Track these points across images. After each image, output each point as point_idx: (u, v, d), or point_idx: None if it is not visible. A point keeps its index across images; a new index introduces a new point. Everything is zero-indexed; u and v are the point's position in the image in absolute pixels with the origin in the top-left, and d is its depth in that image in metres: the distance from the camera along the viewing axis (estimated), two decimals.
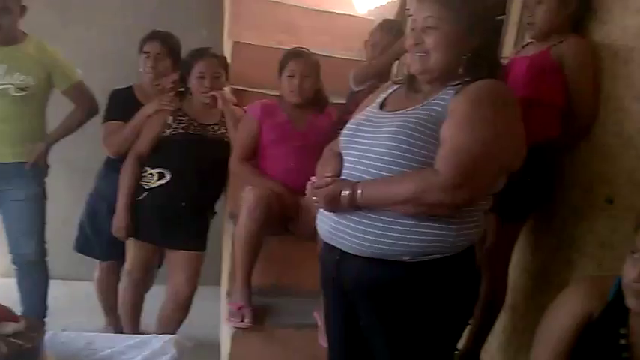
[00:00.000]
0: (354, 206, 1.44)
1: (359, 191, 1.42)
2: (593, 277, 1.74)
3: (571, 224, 2.05)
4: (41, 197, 2.94)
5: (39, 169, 2.90)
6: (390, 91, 1.67)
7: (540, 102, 1.92)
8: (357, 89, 2.79)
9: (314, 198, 1.52)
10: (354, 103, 2.72)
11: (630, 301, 1.32)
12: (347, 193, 1.44)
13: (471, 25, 1.47)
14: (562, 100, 1.96)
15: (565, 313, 1.45)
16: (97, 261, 3.12)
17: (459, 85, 1.45)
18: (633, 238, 1.35)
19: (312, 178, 1.57)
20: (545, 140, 1.92)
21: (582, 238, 1.99)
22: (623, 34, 1.91)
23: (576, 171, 2.05)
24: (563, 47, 1.95)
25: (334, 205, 1.47)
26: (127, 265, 2.78)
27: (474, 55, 1.49)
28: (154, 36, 2.88)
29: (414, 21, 1.53)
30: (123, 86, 2.94)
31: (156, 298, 2.89)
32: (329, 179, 1.51)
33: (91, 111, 3.00)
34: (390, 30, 2.80)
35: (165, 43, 2.87)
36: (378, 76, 2.73)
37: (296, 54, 2.59)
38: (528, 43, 2.17)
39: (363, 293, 1.52)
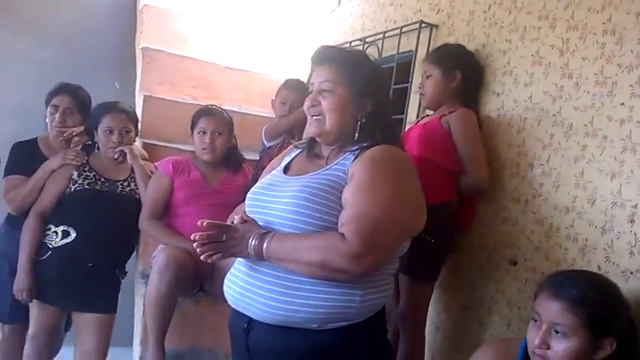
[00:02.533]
0: (259, 256, 1.43)
1: (265, 243, 1.41)
2: (501, 340, 1.80)
3: (481, 284, 2.13)
4: None
5: None
6: (294, 155, 1.70)
7: (432, 161, 2.03)
8: (270, 145, 2.83)
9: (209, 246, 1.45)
10: (267, 157, 2.76)
11: None
12: (254, 242, 1.42)
13: (364, 90, 1.54)
14: (453, 164, 2.08)
15: None
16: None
17: (358, 151, 1.49)
18: (533, 305, 1.41)
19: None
20: (443, 202, 2.02)
21: (491, 297, 2.07)
22: (515, 105, 2.07)
23: (481, 233, 2.15)
24: (451, 117, 2.11)
25: (241, 247, 1.44)
26: (31, 329, 2.60)
27: (368, 120, 1.55)
28: (64, 89, 2.77)
29: (312, 85, 1.59)
30: (26, 139, 2.80)
31: None
32: (239, 219, 1.49)
33: None
34: (294, 87, 2.85)
35: (75, 96, 2.77)
36: (289, 132, 2.79)
37: (207, 111, 2.58)
38: (426, 115, 2.34)
39: None
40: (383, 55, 2.89)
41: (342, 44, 3.23)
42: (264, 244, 1.42)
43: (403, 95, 2.73)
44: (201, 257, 1.44)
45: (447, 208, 2.07)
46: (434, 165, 2.04)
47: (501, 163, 2.11)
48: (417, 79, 2.63)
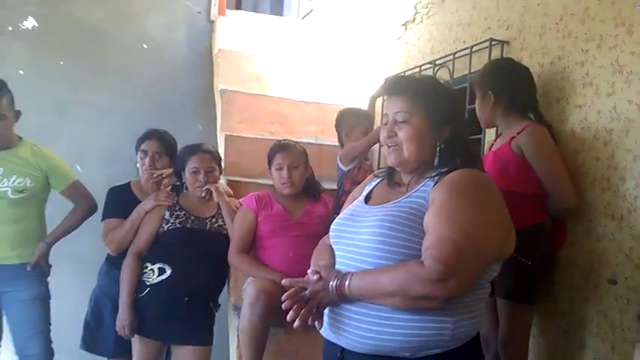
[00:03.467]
0: (342, 297, 1.44)
1: (347, 282, 1.42)
2: None
3: (578, 306, 2.05)
4: (45, 297, 2.94)
5: (41, 270, 2.92)
6: (374, 184, 1.71)
7: (512, 192, 1.90)
8: (348, 168, 2.90)
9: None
10: (348, 181, 2.86)
11: None
12: (334, 283, 1.44)
13: (440, 118, 1.53)
14: (535, 188, 2.01)
15: None
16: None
17: (437, 176, 1.49)
18: (638, 326, 1.36)
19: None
20: (535, 224, 1.97)
21: (592, 320, 1.98)
22: (600, 117, 1.99)
23: (575, 252, 2.07)
24: (521, 139, 2.03)
25: (325, 294, 1.46)
26: None
27: (446, 145, 1.54)
28: (151, 135, 2.95)
29: (386, 116, 1.59)
30: (120, 183, 3.00)
31: None
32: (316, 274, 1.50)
33: (89, 209, 3.06)
34: (357, 116, 2.96)
35: (162, 141, 2.94)
36: (363, 154, 2.92)
37: (282, 147, 2.65)
38: (498, 136, 2.28)
39: None
40: (455, 76, 2.88)
41: (412, 69, 3.24)
42: (346, 284, 1.43)
43: None
44: (295, 324, 1.44)
45: (540, 230, 2.02)
46: (515, 193, 1.95)
47: (591, 178, 2.02)
48: None
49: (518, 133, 2.05)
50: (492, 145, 2.28)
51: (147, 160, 2.90)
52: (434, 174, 1.52)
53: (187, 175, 2.74)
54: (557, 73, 2.22)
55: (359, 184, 2.90)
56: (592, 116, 2.05)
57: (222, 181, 3.01)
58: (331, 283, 1.45)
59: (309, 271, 1.55)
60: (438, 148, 1.56)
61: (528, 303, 2.07)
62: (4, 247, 2.83)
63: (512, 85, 2.14)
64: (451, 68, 2.90)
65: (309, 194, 2.70)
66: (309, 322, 1.46)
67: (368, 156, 3.04)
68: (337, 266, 1.55)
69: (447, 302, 1.36)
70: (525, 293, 2.03)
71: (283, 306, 1.45)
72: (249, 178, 3.23)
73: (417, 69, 3.18)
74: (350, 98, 3.97)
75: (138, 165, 2.96)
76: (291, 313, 1.44)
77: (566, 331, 2.11)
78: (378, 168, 2.57)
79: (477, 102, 2.18)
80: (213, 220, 2.76)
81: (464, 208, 1.39)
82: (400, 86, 1.60)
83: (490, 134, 2.59)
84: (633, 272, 1.84)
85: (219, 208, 2.77)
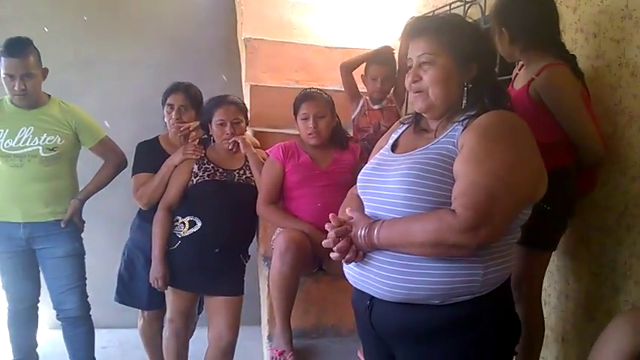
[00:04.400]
0: (371, 246, 1.42)
1: (375, 231, 1.41)
2: (638, 309, 1.66)
3: (610, 249, 1.99)
4: (80, 253, 3.02)
5: (74, 226, 2.98)
6: (400, 131, 1.66)
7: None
8: (352, 116, 2.94)
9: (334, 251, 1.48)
10: (354, 129, 2.92)
11: None
12: (363, 232, 1.43)
13: (467, 54, 1.46)
14: (557, 135, 1.91)
15: (612, 350, 1.39)
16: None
17: (466, 120, 1.44)
18: None
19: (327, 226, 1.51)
20: (559, 168, 1.83)
21: (625, 263, 1.93)
22: (639, 52, 1.87)
23: (607, 194, 2.00)
24: (539, 82, 1.91)
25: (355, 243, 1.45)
26: (168, 313, 2.82)
27: (475, 84, 1.48)
28: (177, 88, 2.93)
29: (410, 60, 1.53)
30: (148, 138, 3.01)
31: (200, 341, 2.93)
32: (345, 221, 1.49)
33: (119, 165, 3.10)
34: (384, 61, 2.85)
35: (187, 94, 2.91)
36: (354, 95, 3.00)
37: (307, 96, 2.60)
38: (521, 67, 2.13)
39: (397, 338, 1.50)
40: (487, 14, 2.75)
41: (442, 7, 3.11)
42: (375, 233, 1.41)
43: None
44: (334, 257, 1.47)
45: (564, 174, 1.91)
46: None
47: (627, 116, 1.92)
48: None
49: (536, 75, 1.92)
50: (514, 79, 2.15)
51: (173, 114, 2.90)
52: (462, 118, 1.46)
53: (214, 128, 2.73)
54: (595, 5, 2.08)
55: (365, 131, 2.89)
56: (630, 51, 1.92)
57: (249, 132, 2.99)
58: (360, 232, 1.43)
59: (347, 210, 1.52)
60: (466, 88, 1.49)
61: (545, 249, 2.02)
62: (37, 205, 2.89)
63: (528, 19, 1.96)
64: (483, 5, 2.75)
65: (336, 143, 2.65)
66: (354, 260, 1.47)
67: (392, 99, 2.95)
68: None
69: (479, 249, 1.33)
70: (542, 239, 1.96)
71: (328, 242, 1.46)
72: (275, 128, 3.21)
73: (447, 7, 3.03)
74: (377, 42, 3.84)
75: (165, 119, 2.95)
76: (336, 250, 1.45)
77: (597, 274, 2.06)
78: (406, 114, 2.49)
79: (495, 38, 2.02)
80: (241, 172, 2.76)
81: (494, 152, 1.34)
82: (422, 26, 1.53)
83: None
84: None
85: (246, 159, 2.76)
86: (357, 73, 3.01)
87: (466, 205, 1.29)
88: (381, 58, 2.89)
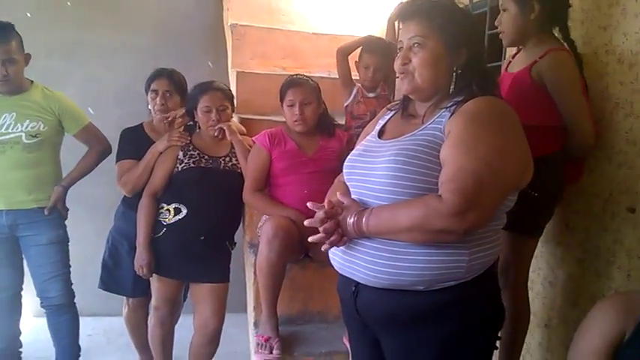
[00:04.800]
0: (360, 234, 1.42)
1: (364, 219, 1.40)
2: (621, 294, 1.68)
3: (595, 235, 2.00)
4: (63, 240, 2.98)
5: (58, 213, 2.94)
6: (387, 117, 1.66)
7: (530, 126, 1.68)
8: (346, 103, 2.90)
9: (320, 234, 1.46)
10: (348, 116, 2.89)
11: None
12: (352, 220, 1.42)
13: (457, 40, 1.47)
14: (553, 119, 1.91)
15: (596, 334, 1.40)
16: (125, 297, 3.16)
17: (454, 106, 1.44)
18: None
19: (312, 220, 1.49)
20: (547, 155, 1.86)
21: (608, 248, 1.95)
22: (625, 39, 1.88)
23: (593, 181, 2.02)
24: (542, 65, 1.90)
25: (343, 227, 1.44)
26: (153, 301, 2.81)
27: (463, 70, 1.49)
28: (160, 74, 2.89)
29: (401, 42, 1.53)
30: (133, 125, 2.97)
31: (185, 328, 2.92)
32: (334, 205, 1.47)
33: (103, 152, 3.06)
34: (376, 50, 2.81)
35: (171, 79, 2.88)
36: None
37: (293, 83, 2.58)
38: (518, 52, 2.11)
39: (382, 324, 1.51)
40: (474, 0, 2.74)
41: None
42: (363, 221, 1.40)
43: (499, 41, 2.57)
44: (324, 248, 1.46)
45: (551, 161, 1.91)
46: (532, 127, 1.83)
47: (613, 103, 1.93)
48: None
49: (540, 58, 1.91)
50: (508, 65, 2.12)
51: (158, 100, 2.86)
52: (450, 104, 1.46)
53: (199, 114, 2.70)
54: None
55: (360, 119, 2.87)
56: (617, 38, 1.93)
57: (235, 119, 2.96)
58: (349, 219, 1.43)
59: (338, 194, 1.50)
60: (454, 74, 1.49)
61: (531, 235, 2.03)
62: (20, 192, 2.84)
63: None
64: None
65: (322, 130, 2.65)
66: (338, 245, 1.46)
67: (385, 87, 2.94)
68: None
69: (466, 235, 1.33)
70: (528, 225, 1.96)
71: (314, 222, 1.45)
72: (261, 115, 3.18)
73: None
74: (365, 28, 3.83)
75: (149, 105, 2.92)
76: (322, 231, 1.43)
77: (581, 260, 2.07)
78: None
79: (506, 14, 1.96)
80: (227, 158, 2.74)
81: (482, 138, 1.35)
82: (414, 10, 1.52)
83: None
84: None
85: (232, 146, 2.74)
86: (352, 60, 2.99)
87: (454, 190, 1.29)
88: (373, 46, 2.86)
